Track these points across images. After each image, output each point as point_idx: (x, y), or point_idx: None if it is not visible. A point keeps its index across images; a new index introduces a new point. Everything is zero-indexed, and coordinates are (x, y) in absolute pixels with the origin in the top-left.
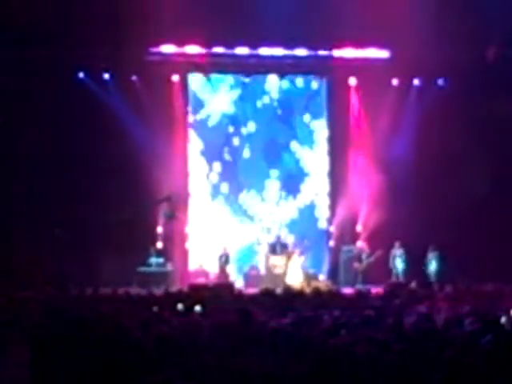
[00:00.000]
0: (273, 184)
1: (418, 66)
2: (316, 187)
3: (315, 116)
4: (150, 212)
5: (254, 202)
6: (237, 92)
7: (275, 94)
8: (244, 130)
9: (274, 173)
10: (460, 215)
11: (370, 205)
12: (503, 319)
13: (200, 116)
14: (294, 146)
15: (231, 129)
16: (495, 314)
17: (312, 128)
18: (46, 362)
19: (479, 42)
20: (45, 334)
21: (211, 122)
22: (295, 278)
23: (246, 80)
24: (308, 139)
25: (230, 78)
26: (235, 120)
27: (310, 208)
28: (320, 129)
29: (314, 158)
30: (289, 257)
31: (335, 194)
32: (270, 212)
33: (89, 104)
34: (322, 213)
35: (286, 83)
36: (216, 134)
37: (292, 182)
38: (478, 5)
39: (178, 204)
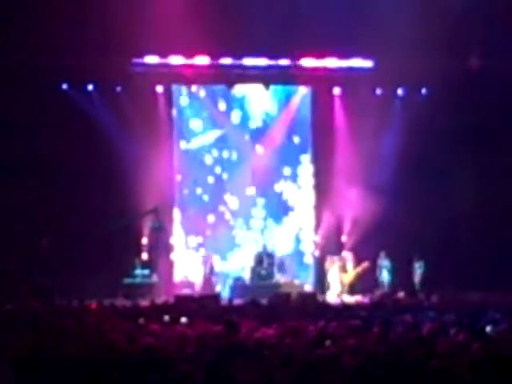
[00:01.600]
0: (259, 212)
1: (401, 75)
2: (300, 221)
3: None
4: (137, 224)
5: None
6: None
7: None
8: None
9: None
10: (445, 225)
11: (355, 215)
12: (488, 328)
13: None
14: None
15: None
16: (481, 322)
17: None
18: (30, 376)
19: (462, 51)
20: (29, 347)
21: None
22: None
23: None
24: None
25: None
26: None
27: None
28: (306, 163)
29: (298, 191)
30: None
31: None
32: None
33: (72, 115)
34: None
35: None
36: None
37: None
38: (461, 15)
39: (163, 215)
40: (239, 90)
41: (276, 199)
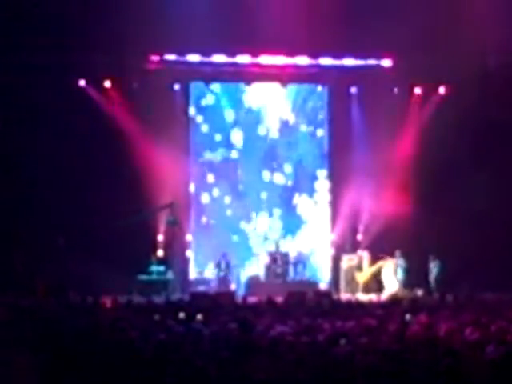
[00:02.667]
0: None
1: (419, 74)
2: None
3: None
4: (153, 219)
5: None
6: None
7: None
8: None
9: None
10: (461, 224)
11: (371, 214)
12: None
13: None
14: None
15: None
16: (496, 323)
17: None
18: (51, 373)
19: (480, 49)
20: (49, 344)
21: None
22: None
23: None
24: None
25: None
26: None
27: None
28: (322, 177)
29: (314, 206)
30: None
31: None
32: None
33: (89, 111)
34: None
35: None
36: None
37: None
38: (479, 13)
39: (179, 210)
40: (256, 102)
41: (292, 212)
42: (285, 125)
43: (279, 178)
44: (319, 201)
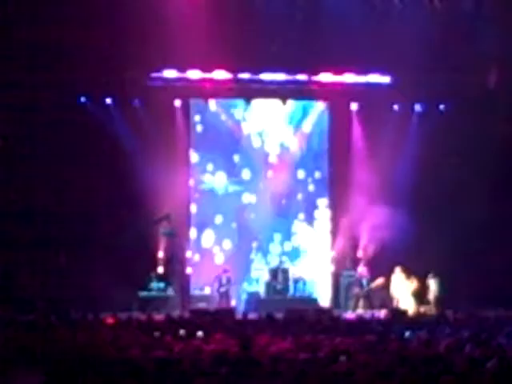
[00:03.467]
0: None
1: (419, 91)
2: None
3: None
4: (151, 232)
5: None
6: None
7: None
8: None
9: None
10: (461, 241)
11: (371, 230)
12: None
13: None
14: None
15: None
16: (496, 339)
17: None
18: None
19: (480, 67)
20: (50, 360)
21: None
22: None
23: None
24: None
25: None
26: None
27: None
28: (322, 206)
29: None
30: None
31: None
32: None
33: (90, 128)
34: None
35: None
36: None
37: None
38: (479, 30)
39: (176, 223)
40: (256, 126)
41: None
42: (286, 150)
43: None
44: (319, 229)
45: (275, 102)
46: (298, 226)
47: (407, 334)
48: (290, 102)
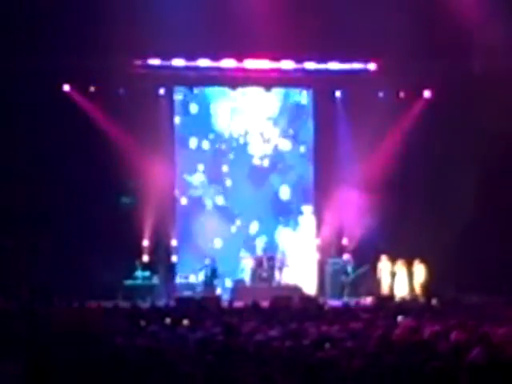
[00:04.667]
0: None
1: (404, 78)
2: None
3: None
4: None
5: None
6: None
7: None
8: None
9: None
10: (445, 228)
11: (356, 218)
12: None
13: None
14: None
15: None
16: (482, 326)
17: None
18: (35, 378)
19: (465, 53)
20: (34, 347)
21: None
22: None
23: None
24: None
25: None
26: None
27: None
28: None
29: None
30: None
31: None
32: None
33: (74, 117)
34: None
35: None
36: None
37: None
38: (464, 16)
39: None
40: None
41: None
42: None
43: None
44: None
45: (257, 96)
46: (282, 232)
47: (399, 318)
48: (274, 93)
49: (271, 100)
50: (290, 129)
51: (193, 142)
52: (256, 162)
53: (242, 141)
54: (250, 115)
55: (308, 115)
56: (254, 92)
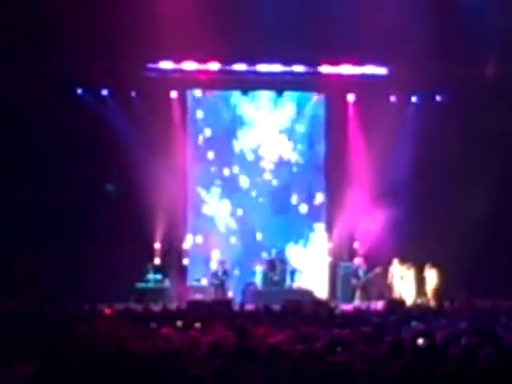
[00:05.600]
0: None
1: (416, 82)
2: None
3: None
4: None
5: None
6: None
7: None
8: None
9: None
10: (458, 232)
11: (368, 222)
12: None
13: None
14: None
15: None
16: (493, 329)
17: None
18: (47, 378)
19: (478, 58)
20: (46, 350)
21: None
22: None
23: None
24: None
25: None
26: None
27: None
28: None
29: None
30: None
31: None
32: None
33: (87, 120)
34: None
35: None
36: None
37: None
38: (477, 21)
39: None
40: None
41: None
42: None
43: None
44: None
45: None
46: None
47: (404, 325)
48: (286, 100)
49: (284, 113)
50: (300, 144)
51: (210, 154)
52: (267, 176)
53: (253, 155)
54: (263, 128)
55: (321, 125)
56: (267, 105)
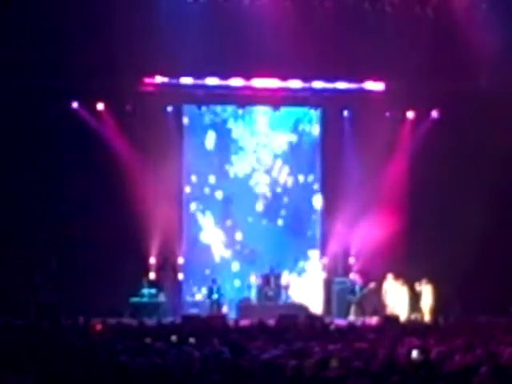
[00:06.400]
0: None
1: (411, 98)
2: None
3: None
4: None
5: None
6: None
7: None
8: None
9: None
10: (453, 248)
11: (363, 237)
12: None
13: None
14: None
15: None
16: (489, 346)
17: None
18: None
19: (472, 73)
20: (41, 364)
21: None
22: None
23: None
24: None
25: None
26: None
27: None
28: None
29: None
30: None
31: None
32: None
33: (82, 134)
34: None
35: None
36: None
37: None
38: (471, 37)
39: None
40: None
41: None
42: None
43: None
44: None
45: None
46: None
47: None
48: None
49: (279, 137)
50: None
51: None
52: (260, 204)
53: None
54: (258, 153)
55: (317, 146)
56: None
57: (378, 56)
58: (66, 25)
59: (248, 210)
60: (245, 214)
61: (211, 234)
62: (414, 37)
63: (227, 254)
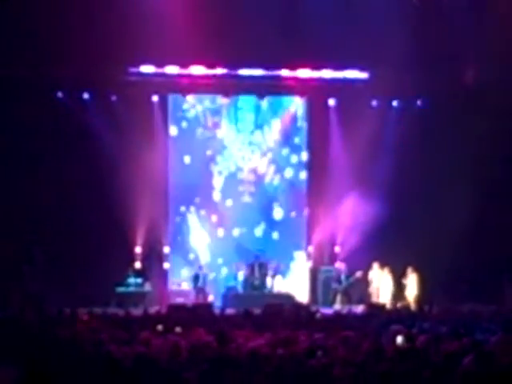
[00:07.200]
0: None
1: (397, 87)
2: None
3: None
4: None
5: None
6: None
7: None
8: None
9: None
10: (438, 236)
11: (349, 226)
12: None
13: None
14: None
15: None
16: (473, 334)
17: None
18: (33, 381)
19: (457, 63)
20: (27, 355)
21: None
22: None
23: None
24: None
25: None
26: None
27: None
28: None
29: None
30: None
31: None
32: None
33: (67, 123)
34: None
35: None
36: None
37: None
38: (456, 27)
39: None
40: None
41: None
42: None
43: None
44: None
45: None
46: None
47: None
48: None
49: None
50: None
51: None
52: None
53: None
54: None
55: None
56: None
57: (364, 45)
58: (50, 14)
59: (234, 197)
60: (231, 203)
61: (197, 224)
62: (399, 26)
63: (213, 244)
